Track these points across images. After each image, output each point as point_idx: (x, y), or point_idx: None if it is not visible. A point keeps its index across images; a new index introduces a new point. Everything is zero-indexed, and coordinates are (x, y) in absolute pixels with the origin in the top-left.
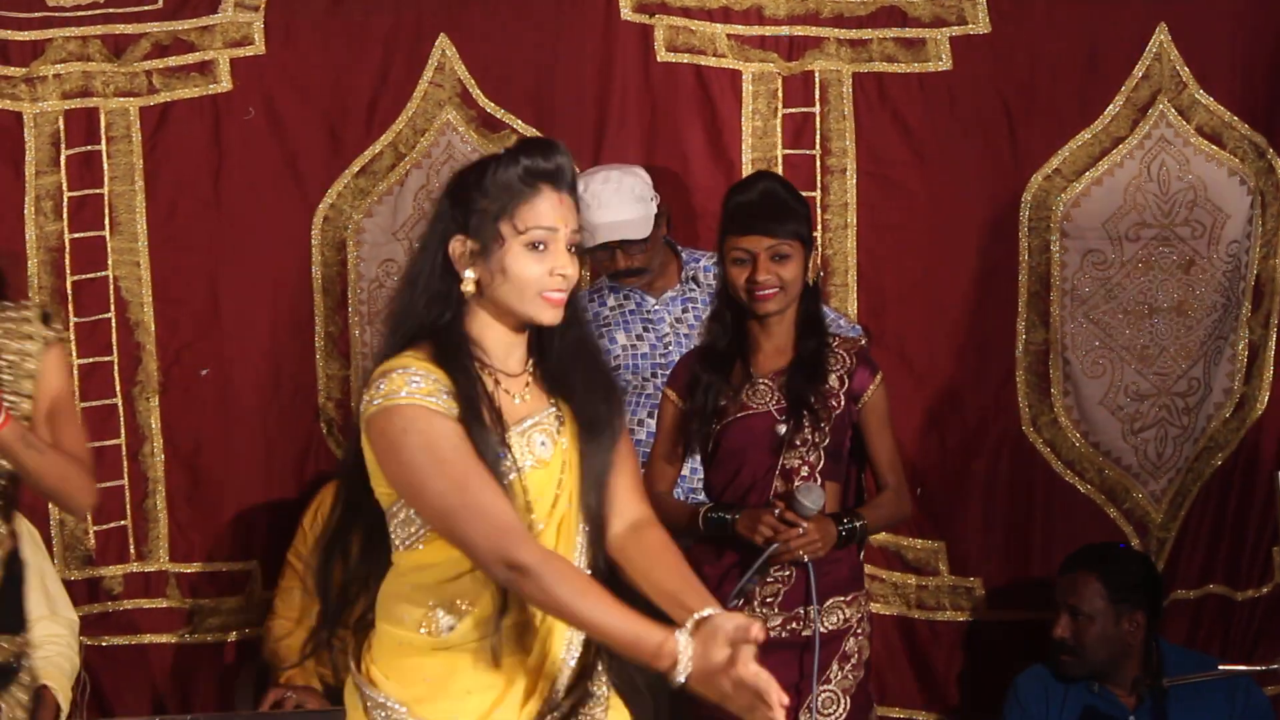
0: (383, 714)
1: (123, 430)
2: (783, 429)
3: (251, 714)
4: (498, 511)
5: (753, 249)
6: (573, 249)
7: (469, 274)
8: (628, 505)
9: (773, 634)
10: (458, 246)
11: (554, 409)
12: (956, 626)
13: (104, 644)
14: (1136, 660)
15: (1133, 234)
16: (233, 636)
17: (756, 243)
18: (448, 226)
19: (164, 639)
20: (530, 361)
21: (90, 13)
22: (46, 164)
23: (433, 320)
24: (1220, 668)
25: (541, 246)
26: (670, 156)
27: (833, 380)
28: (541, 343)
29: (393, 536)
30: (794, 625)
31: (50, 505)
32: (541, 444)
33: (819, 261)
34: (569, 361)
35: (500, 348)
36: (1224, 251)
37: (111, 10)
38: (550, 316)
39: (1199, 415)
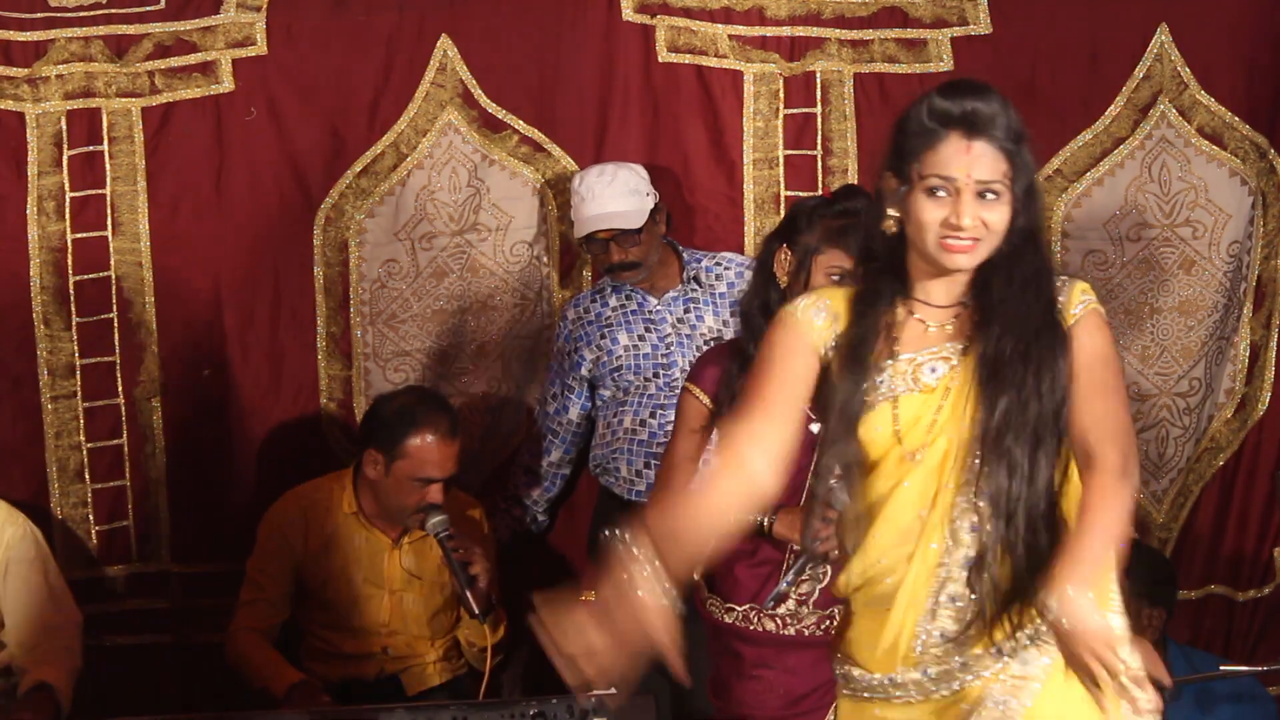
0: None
1: (125, 430)
2: (816, 427)
3: (255, 714)
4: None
5: (845, 266)
6: (987, 194)
7: (891, 212)
8: (1081, 451)
9: (806, 632)
10: (887, 183)
11: (964, 345)
12: None
13: (106, 644)
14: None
15: (1134, 234)
16: None
17: (848, 260)
18: (886, 162)
19: (166, 639)
20: (967, 297)
21: (92, 13)
22: (49, 164)
23: (872, 261)
24: (1222, 668)
25: (941, 193)
26: (672, 157)
27: None
28: (989, 280)
29: None
30: (829, 623)
31: (51, 505)
32: (931, 370)
33: None
34: (1002, 300)
35: (926, 281)
36: (1225, 252)
37: (114, 11)
38: (954, 263)
39: (1200, 416)
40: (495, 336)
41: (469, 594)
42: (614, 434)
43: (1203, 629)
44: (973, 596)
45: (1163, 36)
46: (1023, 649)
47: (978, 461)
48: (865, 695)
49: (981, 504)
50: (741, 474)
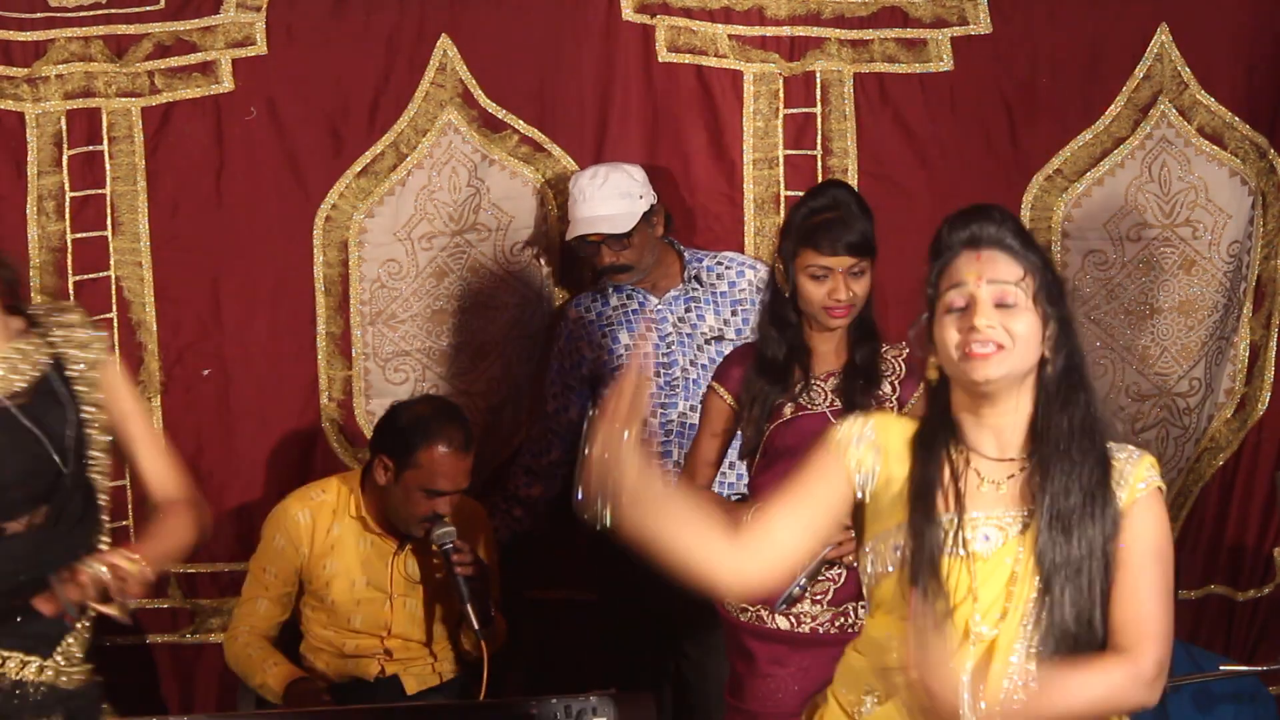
0: None
1: None
2: None
3: (256, 713)
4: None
5: (835, 266)
6: (1006, 305)
7: (932, 360)
8: (1114, 639)
9: (820, 630)
10: (920, 327)
11: (1026, 512)
12: None
13: (107, 644)
14: None
15: (1134, 234)
16: None
17: (839, 261)
18: (914, 327)
19: (166, 639)
20: (1028, 451)
21: (92, 13)
22: (48, 164)
23: (929, 411)
24: (1222, 668)
25: (958, 307)
26: (671, 157)
27: (885, 386)
28: (1042, 426)
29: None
30: (842, 621)
31: None
32: (985, 538)
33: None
34: (1057, 444)
35: (974, 429)
36: (1225, 252)
37: (113, 11)
38: (978, 372)
39: (1200, 416)
40: (495, 336)
41: (470, 608)
42: None
43: (1202, 629)
44: None
45: (1163, 36)
46: None
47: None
48: None
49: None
50: (744, 536)
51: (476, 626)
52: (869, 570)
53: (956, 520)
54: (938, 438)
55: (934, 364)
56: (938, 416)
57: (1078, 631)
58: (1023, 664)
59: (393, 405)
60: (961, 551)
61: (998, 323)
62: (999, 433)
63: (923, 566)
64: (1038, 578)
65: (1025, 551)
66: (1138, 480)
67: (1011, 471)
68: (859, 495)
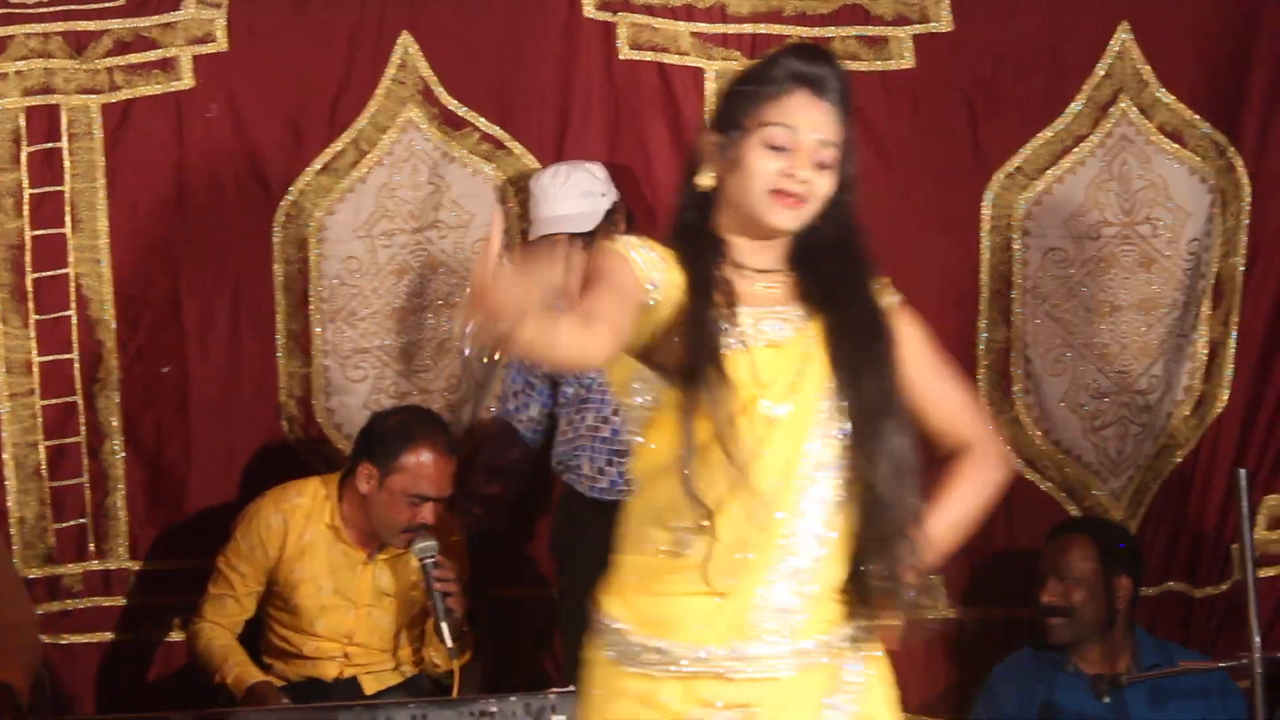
0: (615, 638)
1: (83, 428)
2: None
3: (215, 711)
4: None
5: None
6: (823, 166)
7: (707, 168)
8: (950, 435)
9: None
10: (704, 140)
11: (802, 311)
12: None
13: (63, 642)
14: (1118, 633)
15: (1094, 232)
16: None
17: None
18: (711, 120)
19: (124, 637)
20: (784, 267)
21: (51, 9)
22: (7, 161)
23: (682, 222)
24: (1181, 664)
25: (779, 145)
26: (633, 154)
27: None
28: (802, 259)
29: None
30: None
31: (9, 503)
32: (776, 327)
33: None
34: (839, 276)
35: (746, 247)
36: (1184, 250)
37: (73, 7)
38: (779, 218)
39: (1159, 413)
40: (455, 334)
41: (445, 626)
42: (576, 431)
43: (1160, 626)
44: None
45: (1123, 35)
46: (848, 650)
47: (838, 435)
48: (664, 669)
49: (838, 478)
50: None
51: (449, 644)
52: (640, 401)
53: (732, 314)
54: (704, 247)
55: (711, 174)
56: (701, 227)
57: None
58: (821, 454)
59: (374, 414)
60: (740, 345)
61: (811, 177)
62: (765, 250)
63: (703, 357)
64: (833, 373)
65: (813, 343)
66: (886, 296)
67: (780, 280)
68: (649, 301)
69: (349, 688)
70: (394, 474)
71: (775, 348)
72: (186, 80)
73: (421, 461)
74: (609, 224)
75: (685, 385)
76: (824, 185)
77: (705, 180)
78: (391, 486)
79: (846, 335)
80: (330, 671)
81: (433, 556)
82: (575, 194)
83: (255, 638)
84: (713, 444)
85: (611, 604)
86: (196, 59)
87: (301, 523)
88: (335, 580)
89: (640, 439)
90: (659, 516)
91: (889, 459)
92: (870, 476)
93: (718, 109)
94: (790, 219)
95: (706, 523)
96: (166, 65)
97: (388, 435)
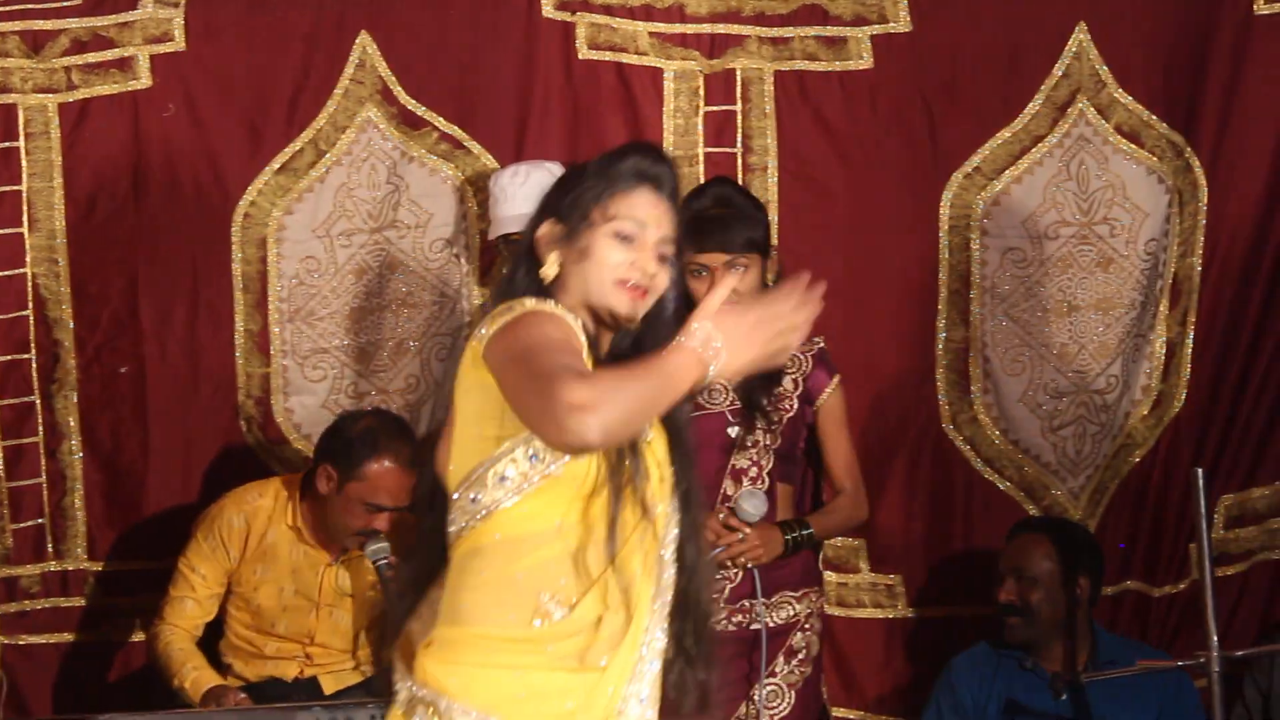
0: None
1: (40, 428)
2: (734, 430)
3: (173, 713)
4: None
5: (709, 264)
6: (664, 260)
7: (553, 256)
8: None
9: (719, 628)
10: (546, 230)
11: None
12: (877, 624)
13: (21, 643)
14: (1077, 634)
15: (1052, 232)
16: None
17: (712, 258)
18: (542, 213)
19: (83, 638)
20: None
21: (8, 8)
22: None
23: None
24: (1139, 663)
25: (628, 238)
26: (592, 154)
27: (787, 383)
28: (618, 355)
29: (485, 503)
30: (740, 619)
31: None
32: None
33: (778, 262)
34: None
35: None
36: (1142, 250)
37: (30, 6)
38: (626, 308)
39: (1117, 413)
40: (414, 334)
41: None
42: None
43: (1119, 624)
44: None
45: (1081, 35)
46: None
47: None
48: None
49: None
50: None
51: None
52: (519, 469)
53: None
54: None
55: (557, 261)
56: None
57: None
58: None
59: (340, 416)
60: (646, 435)
61: (656, 270)
62: (600, 340)
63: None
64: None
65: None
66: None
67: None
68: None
69: (309, 687)
70: (354, 481)
71: (650, 443)
72: (144, 80)
73: (382, 472)
74: None
75: (611, 464)
76: (663, 279)
77: (552, 269)
78: (350, 493)
79: (677, 434)
80: (290, 671)
81: (385, 558)
82: (535, 193)
83: (215, 637)
84: (599, 524)
85: (451, 680)
86: (154, 58)
87: (263, 524)
88: (297, 581)
89: (499, 504)
90: (528, 588)
91: (706, 557)
92: (691, 572)
93: (558, 199)
94: (635, 309)
95: (583, 599)
96: (124, 64)
97: (353, 442)
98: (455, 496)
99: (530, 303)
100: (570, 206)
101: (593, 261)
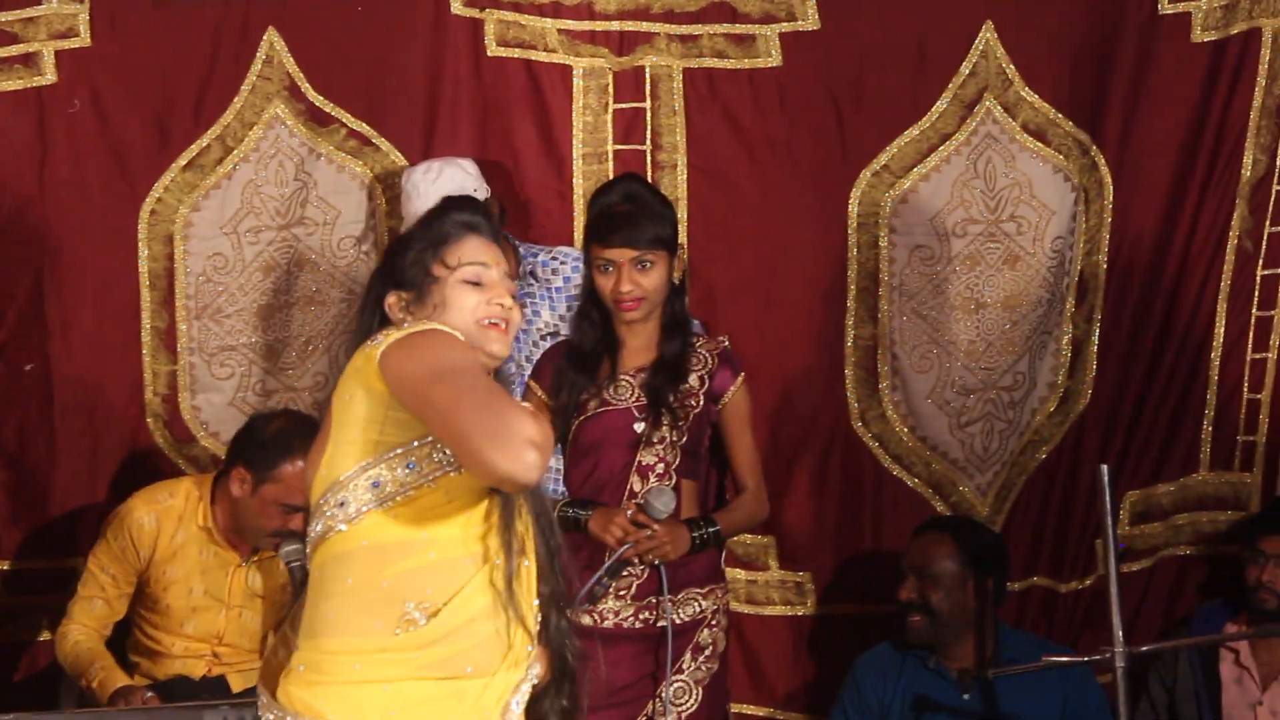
0: None
1: None
2: (640, 426)
3: (79, 713)
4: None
5: (616, 259)
6: (513, 294)
7: (409, 321)
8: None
9: (625, 625)
10: (393, 301)
11: None
12: (786, 621)
13: None
14: (979, 633)
15: (960, 230)
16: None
17: (619, 254)
18: (379, 291)
19: None
20: None
21: None
22: None
23: None
24: (1045, 658)
25: (477, 281)
26: (501, 151)
27: (693, 380)
28: None
29: (353, 508)
30: (646, 615)
31: None
32: None
33: (685, 260)
34: None
35: None
36: (1049, 247)
37: None
38: (497, 345)
39: (1024, 409)
40: (322, 331)
41: None
42: None
43: (1025, 620)
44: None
45: (988, 34)
46: None
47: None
48: None
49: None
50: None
51: None
52: (403, 474)
53: None
54: None
55: (425, 321)
56: None
57: None
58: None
59: (252, 417)
60: None
61: (511, 304)
62: None
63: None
64: None
65: None
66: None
67: None
68: None
69: (216, 686)
70: (268, 483)
71: None
72: (49, 75)
73: (296, 473)
74: None
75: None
76: (517, 315)
77: (421, 325)
78: (264, 494)
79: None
80: (198, 670)
81: (299, 560)
82: (447, 189)
83: (122, 635)
84: (474, 540)
85: (322, 703)
86: (59, 54)
87: (173, 524)
88: (206, 581)
89: (367, 509)
90: (394, 596)
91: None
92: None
93: (391, 269)
94: (503, 344)
95: (448, 605)
96: (28, 60)
97: (266, 444)
98: (321, 501)
99: (427, 323)
100: (410, 270)
101: (453, 310)
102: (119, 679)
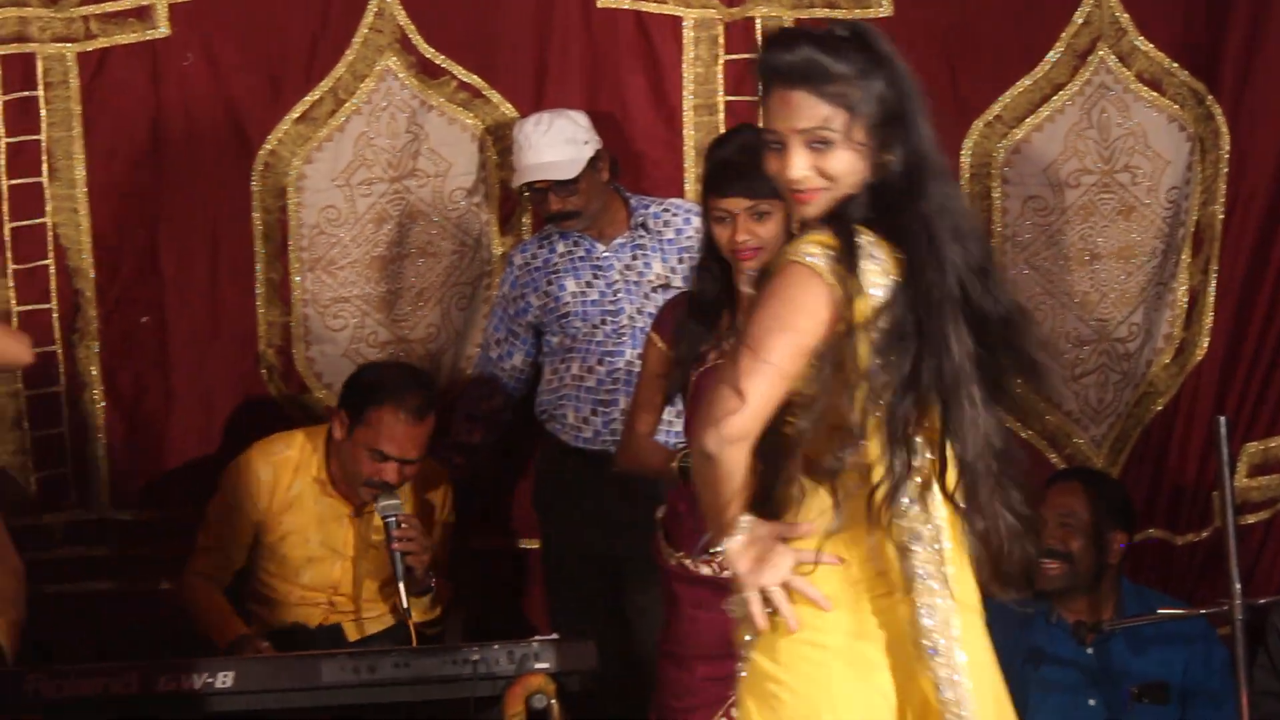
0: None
1: (62, 377)
2: None
3: (194, 660)
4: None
5: (732, 209)
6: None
7: None
8: None
9: None
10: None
11: None
12: None
13: (46, 591)
14: (1106, 585)
15: (1073, 180)
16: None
17: (735, 203)
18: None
19: (105, 586)
20: None
21: None
22: None
23: None
24: (1160, 611)
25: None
26: (612, 103)
27: None
28: None
29: None
30: None
31: None
32: None
33: None
34: None
35: None
36: (1164, 198)
37: None
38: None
39: (1139, 361)
40: (434, 282)
41: (402, 585)
42: (561, 380)
43: (1141, 573)
44: None
45: None
46: None
47: None
48: None
49: None
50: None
51: (404, 605)
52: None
53: None
54: None
55: None
56: None
57: None
58: None
59: (361, 364)
60: None
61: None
62: None
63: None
64: None
65: None
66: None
67: None
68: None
69: (332, 634)
70: (361, 427)
71: None
72: (163, 28)
73: (386, 420)
74: (593, 171)
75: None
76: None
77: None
78: (357, 438)
79: None
80: (314, 618)
81: (394, 516)
82: (558, 141)
83: (239, 584)
84: None
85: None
86: (172, 7)
87: (289, 475)
88: (322, 532)
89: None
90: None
91: None
92: None
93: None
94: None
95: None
96: (142, 13)
97: (362, 388)
98: None
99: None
100: None
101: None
102: (237, 628)
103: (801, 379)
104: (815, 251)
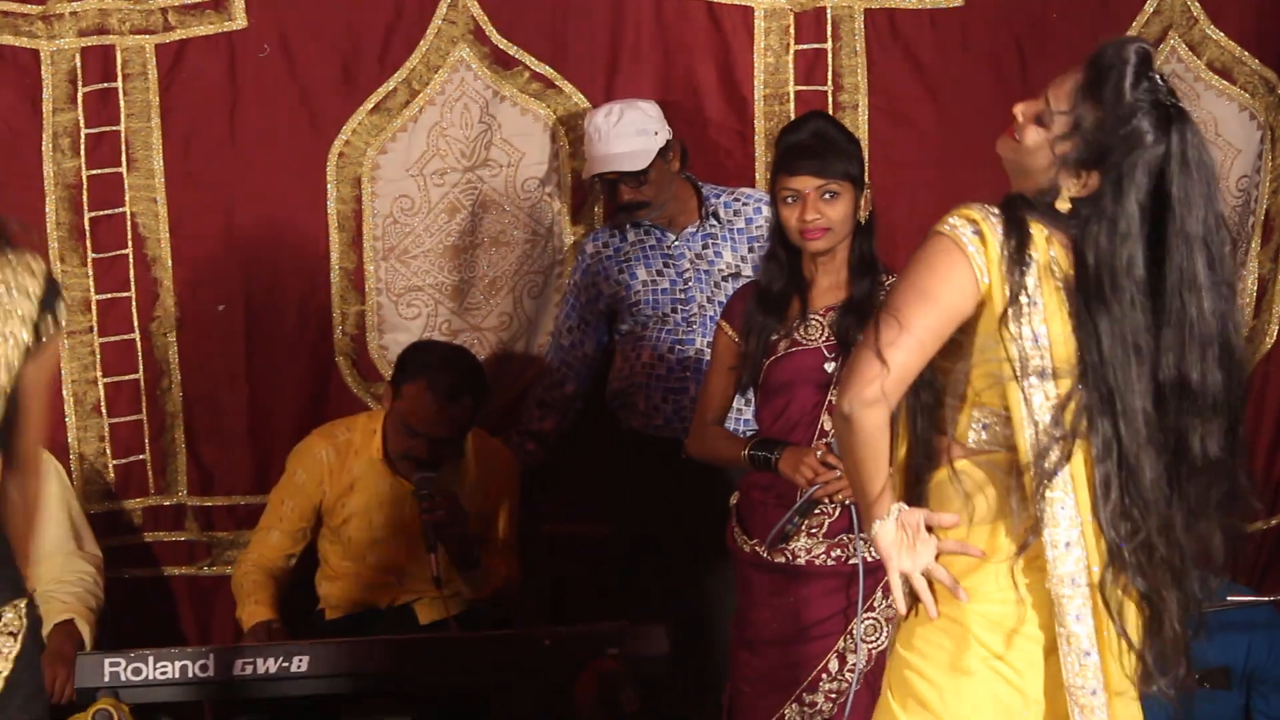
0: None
1: (141, 365)
2: (831, 366)
3: (264, 646)
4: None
5: (801, 189)
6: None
7: None
8: None
9: (817, 562)
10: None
11: None
12: None
13: (125, 577)
14: None
15: None
16: None
17: (805, 182)
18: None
19: (183, 571)
20: None
21: None
22: (63, 101)
23: None
24: (1229, 598)
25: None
26: (683, 92)
27: None
28: None
29: None
30: (838, 553)
31: (69, 439)
32: None
33: (871, 200)
34: None
35: None
36: (1234, 186)
37: None
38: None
39: None
40: (507, 271)
41: (433, 557)
42: (632, 368)
43: None
44: None
45: None
46: None
47: None
48: None
49: None
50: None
51: (434, 573)
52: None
53: None
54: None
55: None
56: None
57: None
58: None
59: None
60: None
61: None
62: None
63: None
64: None
65: None
66: None
67: None
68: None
69: (402, 616)
70: (398, 400)
71: None
72: (240, 20)
73: (418, 395)
74: (663, 161)
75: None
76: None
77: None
78: (395, 411)
79: None
80: (383, 599)
81: (425, 490)
82: (629, 132)
83: (313, 569)
84: None
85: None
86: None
87: (351, 457)
88: (385, 513)
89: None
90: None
91: None
92: None
93: None
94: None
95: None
96: (219, 5)
97: (404, 362)
98: None
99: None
100: None
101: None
102: (262, 614)
103: (948, 355)
104: (959, 223)
